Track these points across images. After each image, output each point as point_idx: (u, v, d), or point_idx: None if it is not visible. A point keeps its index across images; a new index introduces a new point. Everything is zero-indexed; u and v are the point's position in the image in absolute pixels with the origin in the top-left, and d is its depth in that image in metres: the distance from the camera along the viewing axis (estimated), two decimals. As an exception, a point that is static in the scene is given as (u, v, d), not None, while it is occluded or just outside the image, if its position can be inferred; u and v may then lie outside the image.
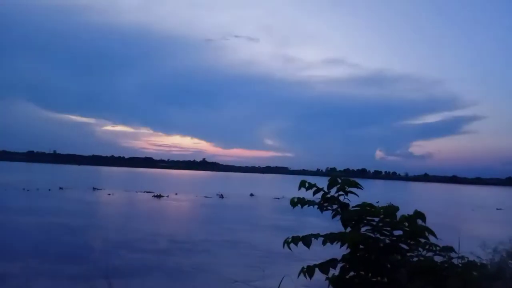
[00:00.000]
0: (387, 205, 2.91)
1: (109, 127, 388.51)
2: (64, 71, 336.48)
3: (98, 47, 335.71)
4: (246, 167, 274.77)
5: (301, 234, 2.93)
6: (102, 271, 13.76)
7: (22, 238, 19.75)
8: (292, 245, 2.87)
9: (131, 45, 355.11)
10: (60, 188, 50.10)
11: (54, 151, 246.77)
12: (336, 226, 3.05)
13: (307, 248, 2.84)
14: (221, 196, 50.68)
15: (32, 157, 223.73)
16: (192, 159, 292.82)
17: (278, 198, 50.61)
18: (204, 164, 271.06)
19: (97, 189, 52.41)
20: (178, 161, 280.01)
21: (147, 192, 50.88)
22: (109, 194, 46.57)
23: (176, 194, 50.99)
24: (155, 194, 47.61)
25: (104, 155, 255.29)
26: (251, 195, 55.47)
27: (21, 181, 57.27)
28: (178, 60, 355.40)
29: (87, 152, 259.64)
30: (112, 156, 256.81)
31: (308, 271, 2.74)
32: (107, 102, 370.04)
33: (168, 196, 46.78)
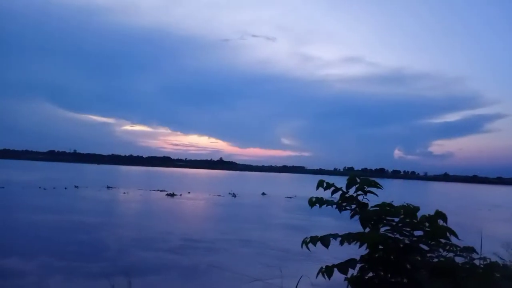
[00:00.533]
0: (405, 204, 2.88)
1: (128, 127, 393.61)
2: (85, 72, 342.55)
3: (118, 48, 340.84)
4: (263, 166, 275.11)
5: (311, 233, 2.92)
6: (118, 269, 13.97)
7: (37, 236, 20.13)
8: (309, 245, 2.86)
9: (150, 46, 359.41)
10: (75, 187, 51.04)
11: (75, 150, 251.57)
12: (346, 225, 3.04)
13: (318, 248, 2.84)
14: (234, 195, 50.92)
15: (53, 156, 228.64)
16: (209, 158, 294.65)
17: (291, 197, 50.89)
18: (221, 163, 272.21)
19: (111, 187, 53.31)
20: (195, 160, 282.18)
21: (161, 190, 51.49)
22: (124, 193, 47.28)
23: (189, 193, 51.39)
24: (168, 192, 48.19)
25: (123, 154, 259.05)
26: (263, 194, 55.62)
27: (40, 179, 58.59)
28: (196, 60, 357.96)
29: (106, 152, 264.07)
30: (131, 155, 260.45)
31: (327, 271, 2.74)
32: (126, 102, 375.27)
33: (181, 195, 47.21)
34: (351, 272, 2.77)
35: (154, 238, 20.65)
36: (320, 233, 2.92)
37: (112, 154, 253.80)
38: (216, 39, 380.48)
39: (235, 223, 27.85)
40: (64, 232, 21.62)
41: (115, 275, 13.06)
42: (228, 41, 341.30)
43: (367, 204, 2.98)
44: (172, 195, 46.64)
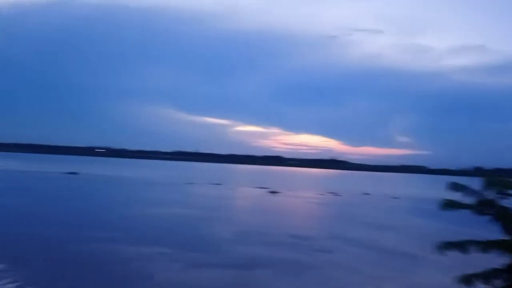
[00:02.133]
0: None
1: (242, 128, 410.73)
2: (200, 77, 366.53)
3: (229, 52, 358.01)
4: (378, 165, 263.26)
5: (412, 237, 2.72)
6: (230, 261, 14.61)
7: (151, 227, 22.26)
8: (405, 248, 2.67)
9: (259, 47, 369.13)
10: (188, 183, 55.59)
11: (197, 150, 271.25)
12: (460, 230, 2.74)
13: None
14: (334, 194, 50.63)
15: (178, 155, 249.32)
16: (320, 158, 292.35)
17: (396, 198, 48.82)
18: (332, 163, 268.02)
19: (218, 184, 56.97)
20: (306, 160, 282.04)
21: (263, 188, 53.19)
22: (230, 190, 50.03)
23: (291, 190, 52.37)
24: (271, 190, 49.61)
25: (239, 153, 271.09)
26: (365, 193, 54.05)
27: (160, 176, 65.16)
28: (303, 58, 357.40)
29: (224, 151, 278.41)
30: (246, 154, 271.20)
31: (465, 281, 2.54)
32: (239, 104, 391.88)
33: (282, 193, 48.34)
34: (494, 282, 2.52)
35: (259, 233, 21.28)
36: (426, 238, 2.71)
37: (230, 154, 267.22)
38: (322, 35, 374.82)
39: (334, 221, 27.68)
40: (175, 224, 23.66)
41: (230, 267, 13.74)
42: (333, 37, 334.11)
43: (509, 209, 2.69)
44: (274, 192, 47.95)
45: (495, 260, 2.53)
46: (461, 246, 2.49)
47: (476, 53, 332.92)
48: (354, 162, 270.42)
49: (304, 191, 54.46)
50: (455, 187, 2.73)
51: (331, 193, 52.00)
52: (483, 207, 2.73)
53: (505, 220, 2.62)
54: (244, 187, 55.98)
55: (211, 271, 13.78)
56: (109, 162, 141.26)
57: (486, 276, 2.41)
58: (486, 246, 2.48)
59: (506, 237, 2.56)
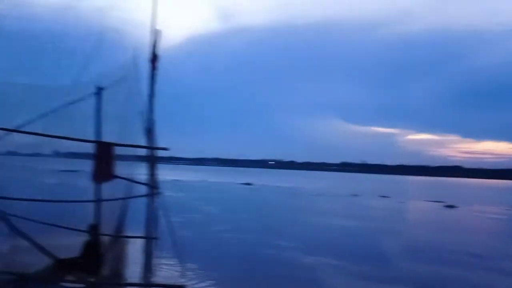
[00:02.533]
0: None
1: (413, 136, 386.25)
2: (364, 86, 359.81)
3: (394, 58, 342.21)
4: None
5: None
6: (401, 276, 14.38)
7: (318, 237, 22.57)
8: None
9: (428, 50, 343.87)
10: (354, 195, 55.15)
11: (363, 161, 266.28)
12: None
13: None
14: None
15: (345, 167, 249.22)
16: (509, 167, 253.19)
17: None
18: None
19: (387, 197, 54.58)
20: (491, 170, 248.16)
21: (438, 201, 49.10)
22: (400, 203, 47.61)
23: (470, 205, 47.51)
24: (447, 204, 45.55)
25: (409, 164, 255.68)
26: None
27: (328, 187, 67.05)
28: (481, 57, 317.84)
29: (393, 162, 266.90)
30: (418, 165, 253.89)
31: None
32: (409, 111, 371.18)
33: (461, 207, 43.96)
34: None
35: (432, 250, 19.99)
36: None
37: (399, 164, 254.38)
38: (503, 30, 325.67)
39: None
40: (341, 234, 23.79)
41: (404, 284, 13.63)
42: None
43: None
44: (451, 206, 44.05)
45: None
46: None
47: None
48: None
49: (487, 205, 48.93)
50: None
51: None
52: None
53: None
54: (415, 200, 53.46)
55: (384, 286, 13.75)
56: (279, 173, 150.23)
57: None
58: None
59: None
